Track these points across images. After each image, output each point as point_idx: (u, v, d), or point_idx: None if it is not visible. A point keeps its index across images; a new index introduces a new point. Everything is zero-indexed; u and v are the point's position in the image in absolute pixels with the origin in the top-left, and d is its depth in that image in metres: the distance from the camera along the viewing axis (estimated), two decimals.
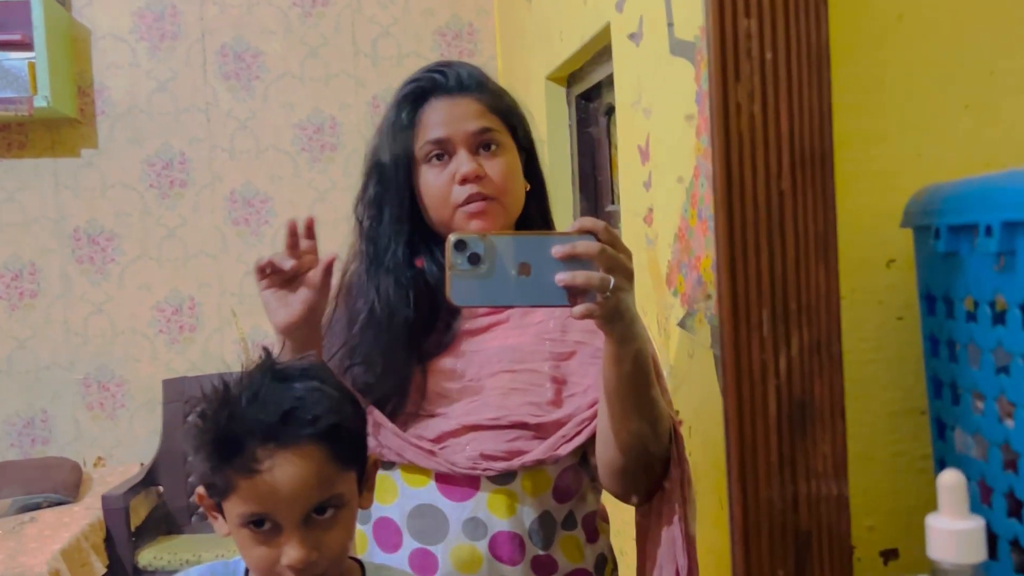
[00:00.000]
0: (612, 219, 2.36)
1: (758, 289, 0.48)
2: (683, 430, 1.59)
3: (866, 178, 0.59)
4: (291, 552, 0.80)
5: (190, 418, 0.87)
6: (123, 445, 3.14)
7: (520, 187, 1.14)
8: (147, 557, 2.67)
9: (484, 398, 1.08)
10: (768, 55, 0.49)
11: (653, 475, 1.03)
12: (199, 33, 3.15)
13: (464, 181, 1.08)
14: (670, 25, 1.65)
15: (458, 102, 1.11)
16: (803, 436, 0.49)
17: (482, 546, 1.04)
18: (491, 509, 1.05)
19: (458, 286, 0.85)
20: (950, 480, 0.47)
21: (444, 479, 1.06)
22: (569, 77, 2.60)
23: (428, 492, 1.06)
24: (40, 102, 2.76)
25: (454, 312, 1.14)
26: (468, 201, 1.08)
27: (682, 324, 1.61)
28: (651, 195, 1.80)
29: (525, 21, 2.87)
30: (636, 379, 0.92)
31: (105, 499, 2.59)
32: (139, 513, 2.78)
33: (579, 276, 0.82)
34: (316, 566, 0.81)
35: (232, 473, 0.80)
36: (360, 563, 0.93)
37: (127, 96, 3.12)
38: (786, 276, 0.48)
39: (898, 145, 0.66)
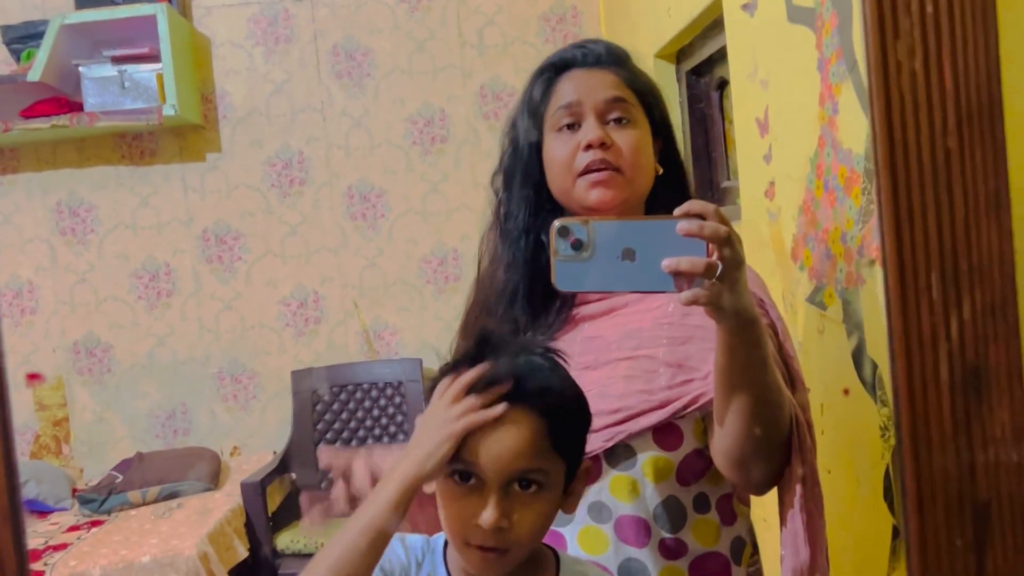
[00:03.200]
0: (729, 194, 2.32)
1: (926, 252, 0.47)
2: (815, 408, 1.56)
3: None
4: (486, 513, 0.82)
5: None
6: (256, 434, 3.29)
7: (649, 165, 1.12)
8: (284, 541, 2.79)
9: (602, 388, 1.07)
10: (929, 8, 0.47)
11: (772, 464, 1.00)
12: (311, 35, 3.25)
13: (589, 147, 1.07)
14: None
15: (594, 73, 1.10)
16: (978, 402, 0.48)
17: (607, 529, 1.05)
18: (613, 493, 1.06)
19: (562, 271, 0.85)
20: None
21: None
22: (678, 53, 2.57)
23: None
24: (168, 111, 2.90)
25: (571, 296, 1.15)
26: (591, 169, 1.07)
27: (811, 299, 1.58)
28: (772, 168, 1.76)
29: (630, 0, 2.84)
30: (748, 367, 0.90)
31: (244, 486, 2.72)
32: (274, 499, 2.91)
33: (684, 262, 0.80)
34: (505, 536, 0.84)
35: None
36: (555, 553, 0.95)
37: (247, 100, 3.25)
38: (955, 237, 0.47)
39: None
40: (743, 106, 1.91)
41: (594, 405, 1.06)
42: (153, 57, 2.94)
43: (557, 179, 1.11)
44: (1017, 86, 0.45)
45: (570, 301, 1.15)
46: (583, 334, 1.12)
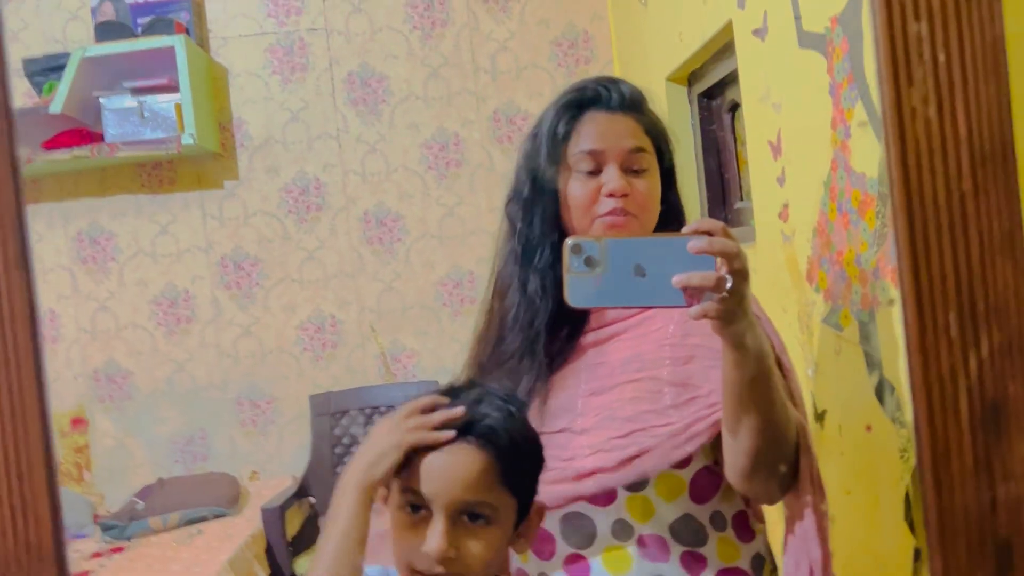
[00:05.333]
0: (742, 216, 2.33)
1: (943, 292, 0.48)
2: (833, 428, 1.57)
3: None
4: (432, 540, 0.86)
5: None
6: (275, 459, 3.31)
7: (657, 209, 1.17)
8: (303, 565, 2.79)
9: (610, 412, 1.10)
10: (941, 57, 0.49)
11: (781, 477, 1.03)
12: (326, 63, 3.29)
13: (612, 195, 1.11)
14: (797, 19, 1.63)
15: (617, 119, 1.14)
16: (998, 439, 0.49)
17: (630, 547, 1.08)
18: (631, 513, 1.08)
19: (574, 287, 0.87)
20: None
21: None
22: (689, 76, 2.59)
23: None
24: (187, 140, 2.94)
25: (579, 324, 1.17)
26: (611, 213, 1.11)
27: (827, 320, 1.58)
28: (785, 190, 1.77)
29: (641, 24, 2.86)
30: (756, 381, 0.92)
31: (264, 511, 2.73)
32: (294, 524, 2.92)
33: (695, 276, 0.83)
34: (452, 565, 0.86)
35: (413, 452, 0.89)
36: None
37: (264, 129, 3.29)
38: (972, 277, 0.48)
39: None
40: (756, 129, 1.93)
41: (604, 430, 1.08)
42: (172, 88, 2.99)
43: (575, 217, 1.14)
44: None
45: (578, 330, 1.17)
46: (588, 362, 1.15)
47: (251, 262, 3.30)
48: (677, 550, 1.08)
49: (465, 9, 3.29)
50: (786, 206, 1.77)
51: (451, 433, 0.89)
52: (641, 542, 1.08)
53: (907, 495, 1.28)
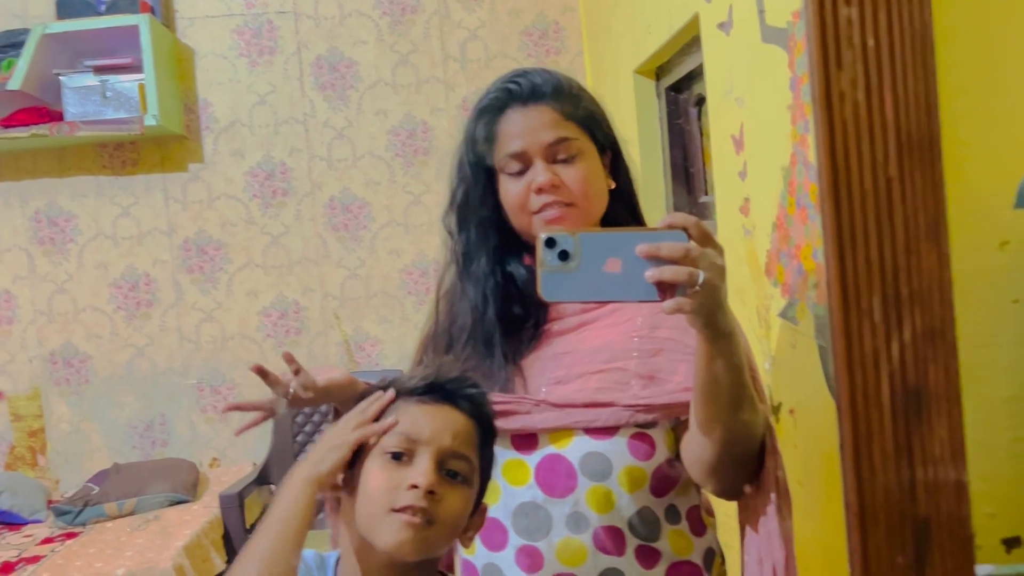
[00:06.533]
0: (706, 210, 2.34)
1: (868, 276, 0.48)
2: (788, 421, 1.58)
3: (976, 160, 0.59)
4: (422, 476, 0.88)
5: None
6: (236, 446, 3.28)
7: (601, 189, 1.16)
8: None
9: (573, 401, 1.10)
10: (870, 42, 0.49)
11: (747, 471, 1.04)
12: (295, 47, 3.26)
13: (540, 191, 1.11)
14: (761, 12, 1.63)
15: (533, 112, 1.13)
16: (918, 423, 0.49)
17: (585, 539, 1.07)
18: (589, 504, 1.07)
19: (548, 282, 0.86)
20: None
21: (543, 477, 1.08)
22: (657, 70, 2.59)
23: (529, 490, 1.09)
24: (150, 121, 2.90)
25: (542, 313, 1.17)
26: (544, 208, 1.11)
27: (783, 314, 1.60)
28: (747, 184, 1.78)
29: (611, 16, 2.86)
30: (729, 374, 0.92)
31: (222, 498, 2.71)
32: (253, 511, 2.90)
33: (667, 272, 0.83)
34: (433, 504, 0.89)
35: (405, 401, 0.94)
36: None
37: (229, 111, 3.25)
38: (896, 262, 0.48)
39: (1008, 125, 0.64)
40: (719, 123, 1.94)
41: (568, 417, 1.08)
42: (135, 67, 2.94)
43: (514, 218, 1.15)
44: (956, 116, 0.47)
45: (542, 319, 1.17)
46: (554, 350, 1.15)
47: (214, 246, 3.27)
48: (632, 544, 1.08)
49: None
50: (747, 200, 1.78)
51: (393, 420, 0.93)
52: (596, 535, 1.07)
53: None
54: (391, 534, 0.88)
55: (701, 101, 2.42)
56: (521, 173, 1.13)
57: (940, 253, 0.48)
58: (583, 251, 0.85)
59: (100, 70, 2.94)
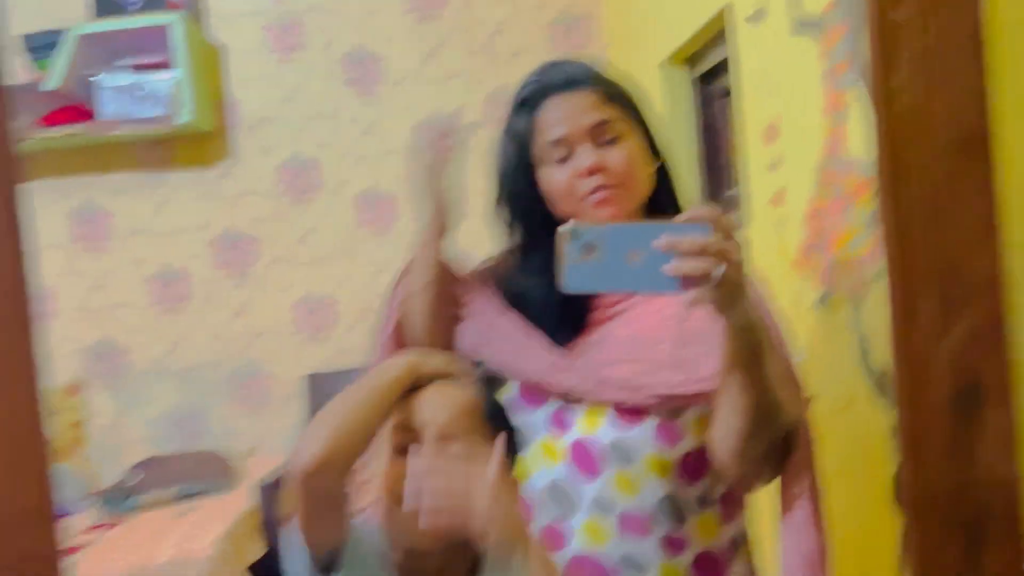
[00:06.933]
0: (732, 203, 2.34)
1: (924, 273, 0.49)
2: (824, 411, 1.58)
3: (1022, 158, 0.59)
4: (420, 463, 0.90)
5: None
6: (268, 438, 3.32)
7: (644, 171, 1.17)
8: None
9: (606, 385, 1.12)
10: (922, 43, 0.50)
11: (771, 458, 1.06)
12: (323, 43, 3.28)
13: (588, 174, 1.12)
14: (791, 5, 1.63)
15: (572, 98, 1.14)
16: (973, 419, 0.50)
17: (611, 521, 1.09)
18: (617, 488, 1.09)
19: (571, 273, 0.88)
20: None
21: (574, 459, 1.10)
22: (687, 60, 2.59)
23: (558, 471, 1.11)
24: (183, 118, 2.94)
25: (585, 302, 1.18)
26: (594, 191, 1.12)
27: (818, 305, 1.60)
28: (778, 176, 1.79)
29: (637, 8, 2.86)
30: (749, 362, 0.95)
31: (262, 487, 2.75)
32: (288, 500, 2.93)
33: (687, 266, 0.84)
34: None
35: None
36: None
37: (259, 108, 3.28)
38: (950, 261, 0.49)
39: None
40: (750, 115, 1.94)
41: (602, 393, 1.12)
42: (168, 65, 2.98)
43: (562, 206, 1.16)
44: (1003, 116, 0.48)
45: (586, 307, 1.18)
46: (592, 338, 1.17)
47: (246, 241, 3.31)
48: (659, 531, 1.10)
49: None
50: (779, 192, 1.78)
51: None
52: (622, 518, 1.09)
53: (896, 476, 1.30)
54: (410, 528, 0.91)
55: (727, 93, 2.41)
56: (564, 160, 1.14)
57: (993, 249, 0.49)
58: (606, 243, 0.87)
59: (134, 69, 2.97)
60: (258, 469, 3.04)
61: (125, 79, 2.99)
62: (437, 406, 0.95)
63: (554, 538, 1.11)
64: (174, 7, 2.99)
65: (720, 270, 0.84)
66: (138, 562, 2.29)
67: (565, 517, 1.11)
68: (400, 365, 0.96)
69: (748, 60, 1.92)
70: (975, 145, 0.50)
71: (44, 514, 0.53)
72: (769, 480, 1.11)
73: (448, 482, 0.88)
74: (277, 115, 3.28)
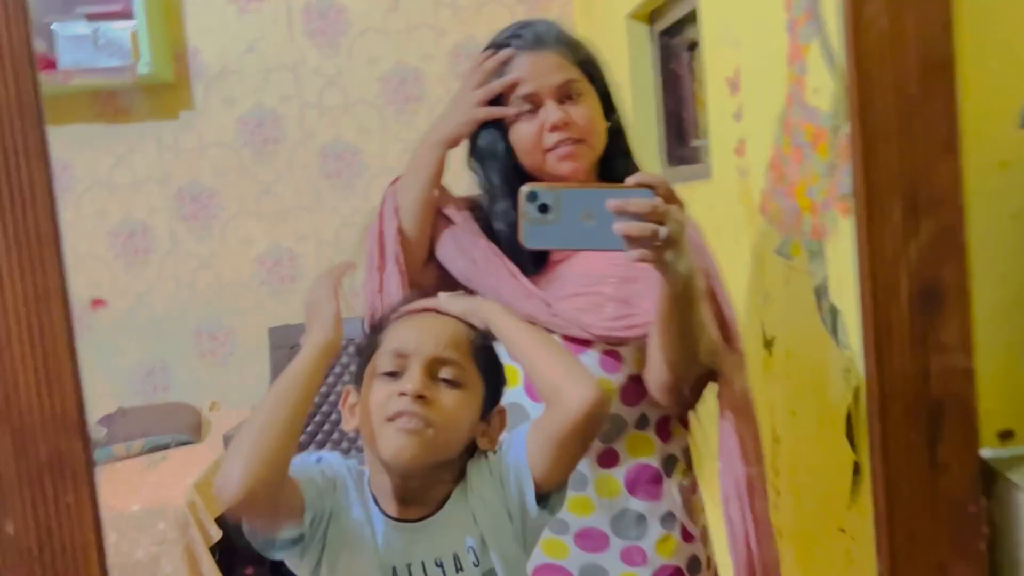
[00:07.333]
0: (698, 153, 2.40)
1: (889, 184, 0.55)
2: (780, 353, 1.65)
3: (982, 83, 0.65)
4: (410, 383, 0.94)
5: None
6: (234, 390, 3.34)
7: (602, 128, 1.28)
8: None
9: (559, 318, 1.23)
10: None
11: (696, 388, 1.22)
12: None
13: (554, 129, 1.22)
14: None
15: (541, 56, 1.25)
16: (933, 315, 0.56)
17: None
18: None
19: (529, 231, 0.97)
20: None
21: (526, 383, 1.21)
22: (651, 14, 2.62)
23: (517, 393, 1.21)
24: (142, 68, 2.90)
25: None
26: (558, 145, 1.23)
27: (778, 251, 1.66)
28: (742, 126, 1.83)
29: None
30: (684, 309, 1.07)
31: (226, 438, 2.78)
32: None
33: (633, 227, 0.94)
34: (426, 408, 0.94)
35: (386, 326, 1.02)
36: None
37: (219, 58, 3.25)
38: (915, 172, 0.55)
39: (1013, 51, 0.71)
40: (714, 66, 1.98)
41: (555, 323, 1.22)
42: (127, 14, 2.93)
43: (528, 157, 1.26)
44: (964, 43, 0.53)
45: (543, 251, 1.28)
46: (551, 275, 1.28)
47: (208, 194, 3.29)
48: (595, 448, 1.22)
49: None
50: (742, 142, 1.83)
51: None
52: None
53: (848, 414, 1.38)
54: (389, 443, 0.93)
55: (692, 46, 2.46)
56: (531, 113, 1.23)
57: (954, 164, 0.54)
58: (562, 204, 0.95)
59: (92, 17, 2.92)
60: (223, 422, 3.07)
61: (83, 28, 2.94)
62: (428, 333, 0.98)
63: None
64: None
65: (663, 231, 0.94)
66: (112, 511, 2.32)
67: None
68: (314, 349, 0.96)
69: (713, 11, 1.96)
70: (940, 70, 0.56)
71: (74, 419, 0.57)
72: (693, 403, 1.26)
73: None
74: (238, 66, 3.26)
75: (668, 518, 1.25)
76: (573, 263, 1.28)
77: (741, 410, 1.21)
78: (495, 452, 1.03)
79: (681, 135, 2.60)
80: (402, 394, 0.93)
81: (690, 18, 2.32)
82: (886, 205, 0.55)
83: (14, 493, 0.55)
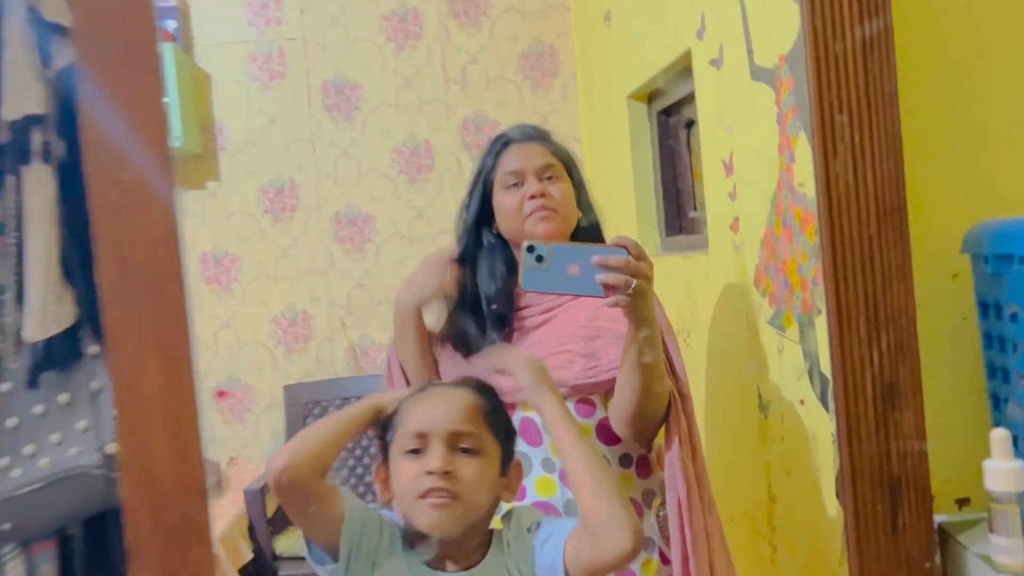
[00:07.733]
0: (695, 224, 2.53)
1: (856, 304, 0.70)
2: (775, 417, 1.75)
3: (934, 215, 0.80)
4: (433, 460, 1.04)
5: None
6: (251, 445, 3.45)
7: (573, 208, 1.52)
8: (283, 544, 2.95)
9: None
10: (856, 138, 0.70)
11: (653, 425, 1.38)
12: (304, 71, 3.45)
13: (533, 197, 1.45)
14: (750, 53, 1.80)
15: (528, 147, 1.51)
16: (892, 409, 0.70)
17: (555, 477, 1.40)
18: (553, 452, 1.40)
19: (527, 277, 1.19)
20: (999, 435, 0.68)
21: (522, 433, 1.39)
22: (649, 95, 2.78)
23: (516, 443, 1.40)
24: (173, 143, 3.07)
25: (523, 312, 1.50)
26: (536, 211, 1.45)
27: (771, 322, 1.76)
28: (736, 205, 1.93)
29: (604, 43, 3.04)
30: (647, 353, 1.26)
31: (246, 492, 2.87)
32: (271, 505, 3.06)
33: (610, 277, 1.16)
34: (452, 481, 1.04)
35: (407, 404, 1.12)
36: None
37: (243, 132, 3.43)
38: (876, 295, 0.69)
39: (956, 190, 0.86)
40: (710, 148, 2.08)
41: None
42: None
43: (508, 222, 1.49)
44: (919, 185, 0.66)
45: (524, 319, 1.50)
46: (528, 339, 1.48)
47: (230, 259, 3.45)
48: None
49: (437, 23, 3.47)
50: (737, 219, 1.92)
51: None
52: (562, 474, 1.38)
53: (838, 474, 1.48)
54: (425, 518, 1.04)
55: (690, 124, 2.59)
56: (515, 186, 1.47)
57: (907, 289, 0.69)
58: (553, 257, 1.17)
59: None
60: (241, 476, 3.16)
61: None
62: (443, 409, 1.09)
63: (519, 494, 1.37)
64: (168, 38, 3.12)
65: (635, 283, 1.14)
66: None
67: (524, 477, 1.38)
68: (365, 403, 1.15)
69: (710, 98, 2.08)
70: (894, 213, 0.71)
71: (199, 487, 0.70)
72: (652, 438, 1.43)
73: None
74: (260, 139, 3.44)
75: (649, 544, 1.43)
76: (546, 328, 1.47)
77: (685, 442, 1.39)
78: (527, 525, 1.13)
79: (679, 207, 2.73)
80: (429, 473, 1.03)
81: (688, 99, 2.45)
82: (853, 320, 0.70)
83: (151, 549, 0.68)
